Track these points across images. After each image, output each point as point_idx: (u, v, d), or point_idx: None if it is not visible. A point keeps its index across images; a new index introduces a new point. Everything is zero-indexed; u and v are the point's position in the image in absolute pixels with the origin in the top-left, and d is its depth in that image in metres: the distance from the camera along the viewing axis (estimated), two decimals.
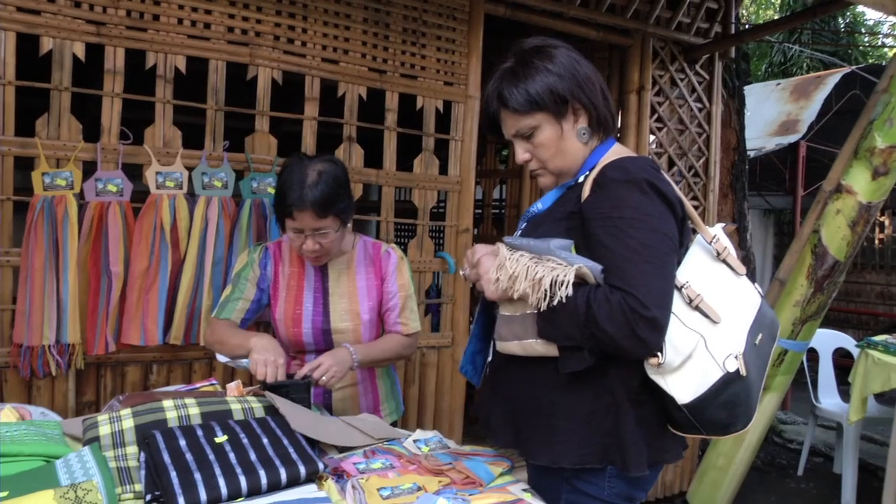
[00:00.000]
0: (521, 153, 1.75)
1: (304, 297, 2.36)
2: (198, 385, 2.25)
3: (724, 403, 1.55)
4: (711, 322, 1.56)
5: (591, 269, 1.53)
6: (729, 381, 1.54)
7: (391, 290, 2.43)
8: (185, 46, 2.79)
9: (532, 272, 1.54)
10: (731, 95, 5.42)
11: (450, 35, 3.43)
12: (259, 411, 1.87)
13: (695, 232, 1.73)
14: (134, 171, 2.71)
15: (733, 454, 4.14)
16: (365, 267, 2.42)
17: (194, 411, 1.80)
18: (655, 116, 4.17)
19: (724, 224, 1.79)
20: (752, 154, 7.32)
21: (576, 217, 1.64)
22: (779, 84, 9.41)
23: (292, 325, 2.34)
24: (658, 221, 1.55)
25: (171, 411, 1.78)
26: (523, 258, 1.57)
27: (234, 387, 2.04)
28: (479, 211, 5.60)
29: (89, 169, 2.63)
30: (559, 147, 1.71)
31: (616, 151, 1.72)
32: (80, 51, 2.61)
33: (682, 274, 1.61)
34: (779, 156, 8.32)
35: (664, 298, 1.51)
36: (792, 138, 8.00)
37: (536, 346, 1.63)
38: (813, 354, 5.09)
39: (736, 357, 1.55)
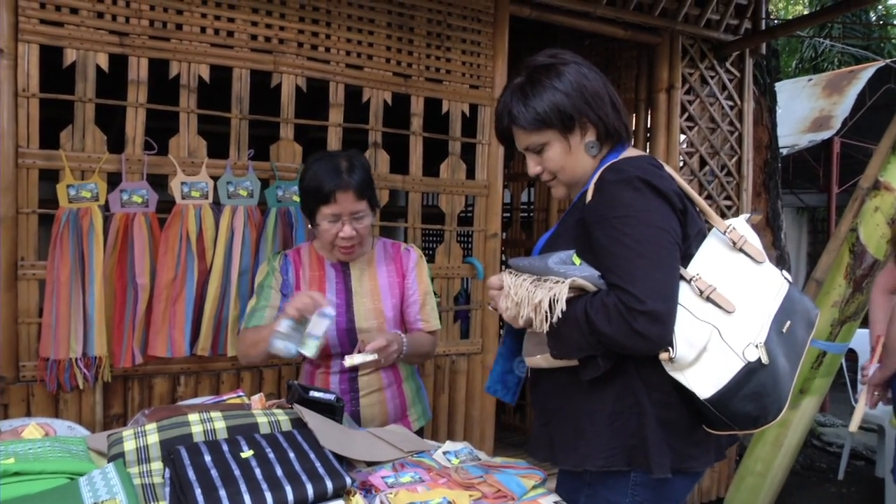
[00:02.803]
0: (533, 166, 1.80)
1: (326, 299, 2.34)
2: (224, 397, 2.22)
3: (750, 395, 1.53)
4: (725, 312, 1.55)
5: (588, 277, 1.56)
6: (752, 370, 1.51)
7: (412, 286, 2.43)
8: (208, 55, 2.77)
9: (531, 296, 1.58)
10: (763, 92, 5.32)
11: (475, 38, 3.39)
12: (286, 424, 1.83)
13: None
14: (159, 182, 2.70)
15: (771, 459, 4.05)
16: (386, 265, 2.43)
17: (220, 425, 1.76)
18: (686, 115, 4.09)
19: (748, 214, 1.79)
20: (784, 152, 7.18)
21: (583, 223, 1.66)
22: (810, 80, 9.24)
23: None
24: (652, 216, 1.56)
25: (196, 426, 1.75)
26: (525, 282, 1.61)
27: (256, 399, 2.01)
28: (508, 215, 5.55)
29: (114, 180, 2.62)
30: (568, 161, 1.74)
31: (624, 155, 1.73)
32: (103, 62, 2.60)
33: (693, 266, 1.61)
34: (812, 153, 8.17)
35: (662, 291, 1.51)
36: (825, 135, 7.86)
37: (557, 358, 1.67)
38: (852, 355, 4.97)
39: (756, 346, 1.53)
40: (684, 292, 1.57)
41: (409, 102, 3.27)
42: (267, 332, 2.18)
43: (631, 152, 1.75)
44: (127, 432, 1.72)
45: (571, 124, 1.70)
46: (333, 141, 3.06)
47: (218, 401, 2.18)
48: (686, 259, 1.62)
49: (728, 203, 4.25)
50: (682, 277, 1.58)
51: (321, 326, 2.06)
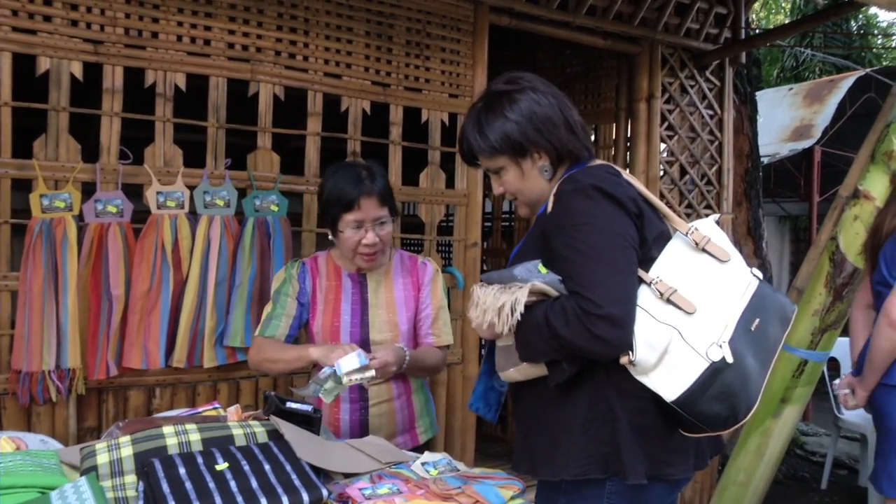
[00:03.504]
0: (496, 187, 1.89)
1: (341, 309, 2.38)
2: (200, 409, 2.22)
3: (718, 395, 1.54)
4: (685, 313, 1.57)
5: (549, 282, 1.61)
6: (717, 370, 1.53)
7: (425, 300, 2.47)
8: (184, 63, 2.77)
9: (496, 302, 1.63)
10: (743, 101, 5.38)
11: (454, 47, 3.41)
12: (262, 436, 1.83)
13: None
14: (134, 191, 2.69)
15: (753, 469, 4.06)
16: (402, 277, 2.46)
17: (195, 437, 1.76)
18: (666, 124, 4.14)
19: (717, 215, 1.82)
20: (765, 160, 7.25)
21: (545, 235, 1.72)
22: (791, 89, 9.34)
23: (330, 338, 2.35)
24: (606, 222, 1.61)
25: (171, 438, 1.75)
26: (492, 291, 1.66)
27: (233, 411, 2.01)
28: (489, 224, 5.57)
29: (88, 190, 2.61)
30: (523, 185, 1.83)
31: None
32: (77, 70, 2.60)
33: (655, 270, 1.64)
34: (793, 161, 8.24)
35: (619, 294, 1.55)
36: (806, 143, 7.94)
37: (529, 369, 1.70)
38: (834, 364, 5.01)
39: (720, 345, 1.54)
40: (644, 295, 1.60)
41: (388, 111, 3.28)
42: (290, 356, 2.28)
43: (592, 164, 1.80)
44: (100, 445, 1.72)
45: (522, 151, 1.77)
46: (312, 150, 3.07)
47: (193, 413, 2.17)
48: (647, 262, 1.65)
49: (709, 212, 4.29)
50: (642, 281, 1.62)
51: (351, 362, 2.06)
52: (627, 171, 3.89)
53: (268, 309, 2.42)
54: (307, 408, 1.97)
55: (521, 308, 1.59)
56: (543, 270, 1.64)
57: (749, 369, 1.58)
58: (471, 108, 1.87)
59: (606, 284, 1.54)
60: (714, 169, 4.33)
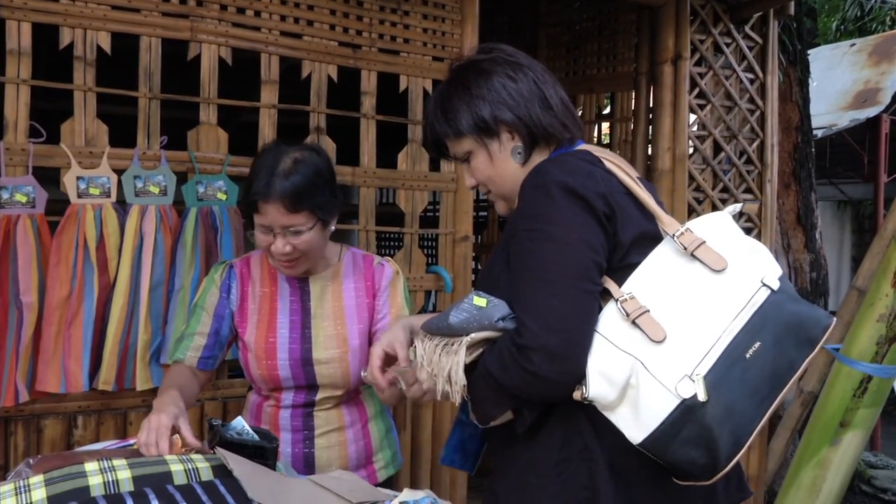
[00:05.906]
0: (467, 178, 1.92)
1: (277, 322, 2.35)
2: (131, 441, 2.22)
3: (692, 438, 1.50)
4: (651, 341, 1.55)
5: (487, 325, 1.63)
6: (690, 409, 1.49)
7: (382, 308, 2.44)
8: (108, 20, 2.77)
9: (442, 367, 1.66)
10: (792, 62, 5.40)
11: None
12: (206, 472, 1.84)
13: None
14: (49, 177, 2.70)
15: None
16: (354, 283, 2.43)
17: (124, 475, 1.77)
18: (696, 91, 4.14)
19: (737, 206, 1.79)
20: (820, 133, 7.26)
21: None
22: (854, 45, 9.37)
23: (265, 357, 2.33)
24: (560, 229, 1.61)
25: (94, 476, 1.75)
26: (437, 349, 1.68)
27: (172, 441, 2.01)
28: (484, 214, 5.58)
29: None
30: (494, 171, 1.85)
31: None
32: None
33: (631, 283, 1.63)
34: (855, 134, 8.27)
35: (558, 321, 1.55)
36: (871, 112, 7.93)
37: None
38: None
39: (693, 379, 1.51)
40: (609, 316, 1.60)
41: (358, 78, 3.29)
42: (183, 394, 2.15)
43: (581, 148, 1.82)
44: (6, 488, 1.72)
45: (489, 130, 1.80)
46: (266, 126, 3.07)
47: (123, 446, 2.17)
48: (623, 271, 1.63)
49: (748, 197, 4.31)
50: (611, 297, 1.61)
51: None
52: (652, 148, 3.89)
53: (184, 326, 2.39)
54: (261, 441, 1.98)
55: (461, 375, 1.63)
56: (481, 302, 1.65)
57: (736, 406, 1.54)
58: (436, 89, 1.90)
59: (546, 307, 1.55)
60: (755, 145, 4.35)
